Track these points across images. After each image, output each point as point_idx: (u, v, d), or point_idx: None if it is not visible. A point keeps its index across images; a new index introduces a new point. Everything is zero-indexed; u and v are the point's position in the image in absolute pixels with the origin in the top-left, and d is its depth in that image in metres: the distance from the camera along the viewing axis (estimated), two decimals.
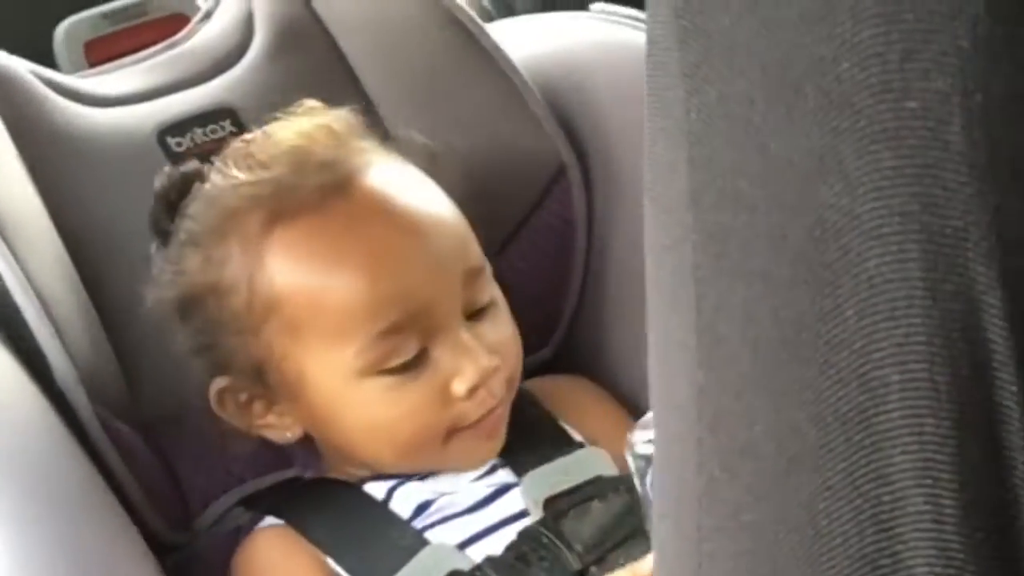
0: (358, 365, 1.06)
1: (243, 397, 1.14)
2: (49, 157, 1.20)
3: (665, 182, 0.43)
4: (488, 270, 1.14)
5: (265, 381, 1.12)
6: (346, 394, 1.08)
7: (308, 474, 1.22)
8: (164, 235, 1.13)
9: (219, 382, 1.13)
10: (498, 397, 1.09)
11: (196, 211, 1.11)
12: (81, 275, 1.17)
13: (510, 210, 1.27)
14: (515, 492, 1.12)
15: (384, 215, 1.09)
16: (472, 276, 1.10)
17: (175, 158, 1.24)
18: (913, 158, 0.37)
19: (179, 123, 1.26)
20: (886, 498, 0.38)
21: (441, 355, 1.08)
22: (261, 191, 1.08)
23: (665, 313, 0.45)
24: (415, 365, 1.08)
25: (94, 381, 1.12)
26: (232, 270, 1.09)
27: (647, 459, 0.86)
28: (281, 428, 1.15)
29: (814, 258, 0.38)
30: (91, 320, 1.16)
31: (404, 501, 1.11)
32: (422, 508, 1.11)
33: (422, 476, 1.13)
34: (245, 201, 1.09)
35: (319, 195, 1.08)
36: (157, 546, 1.14)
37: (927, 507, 0.38)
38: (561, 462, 1.14)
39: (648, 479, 0.86)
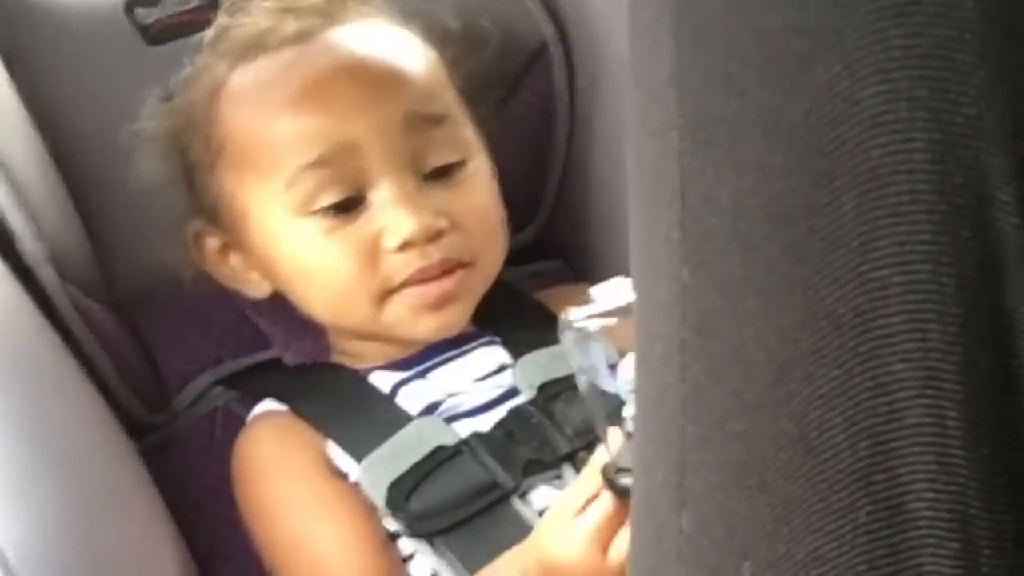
0: (287, 202, 1.05)
1: (216, 244, 1.12)
2: (15, 32, 1.16)
3: (649, 61, 0.39)
4: (462, 134, 1.09)
5: (223, 221, 1.10)
6: (281, 233, 1.06)
7: (289, 357, 1.19)
8: None
9: (194, 225, 1.12)
10: (433, 259, 1.04)
11: (200, 50, 1.12)
12: (52, 152, 1.13)
13: (490, 87, 1.22)
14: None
15: (330, 57, 1.08)
16: (422, 124, 1.06)
17: (144, 30, 1.19)
18: (922, 36, 0.33)
19: None
20: (883, 410, 0.35)
21: (379, 204, 1.05)
22: (240, 35, 1.10)
23: (647, 204, 0.41)
24: (349, 210, 1.05)
25: (64, 259, 1.09)
26: (200, 109, 1.10)
27: (583, 332, 0.82)
28: (253, 282, 1.12)
29: (809, 146, 0.35)
30: (61, 197, 1.12)
31: (411, 400, 1.09)
32: (429, 410, 1.08)
33: (422, 372, 1.10)
34: (227, 43, 1.10)
35: (283, 41, 1.08)
36: (134, 427, 1.12)
37: (929, 420, 0.35)
38: (557, 348, 1.10)
39: (583, 356, 0.82)
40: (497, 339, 1.12)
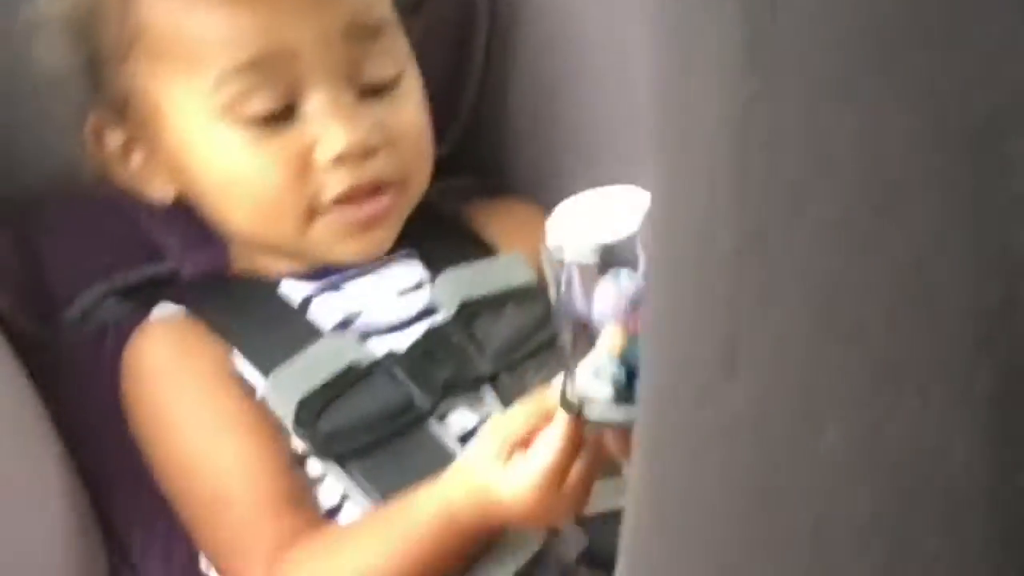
0: (212, 104, 0.97)
1: (119, 140, 1.03)
2: None
3: None
4: (399, 45, 1.03)
5: (131, 118, 1.02)
6: (202, 137, 0.99)
7: (187, 268, 1.11)
8: None
9: (96, 115, 1.03)
10: (365, 178, 0.99)
11: None
12: None
13: None
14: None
15: None
16: (362, 34, 1.00)
17: None
18: None
19: None
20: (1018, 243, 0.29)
21: (312, 116, 0.98)
22: None
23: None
24: (279, 120, 0.98)
25: None
26: None
27: (562, 264, 0.78)
28: (156, 184, 1.04)
29: None
30: None
31: (323, 314, 1.02)
32: (343, 325, 1.02)
33: (335, 284, 1.03)
34: None
35: None
36: (15, 341, 1.04)
37: None
38: (479, 265, 1.06)
39: (563, 285, 0.79)
40: (415, 253, 1.06)
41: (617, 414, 0.78)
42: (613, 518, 0.86)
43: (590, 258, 0.78)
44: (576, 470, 0.83)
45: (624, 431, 0.79)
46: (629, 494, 0.45)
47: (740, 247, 0.34)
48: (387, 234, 1.03)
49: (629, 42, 1.07)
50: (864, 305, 0.31)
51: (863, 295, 0.31)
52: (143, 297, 1.09)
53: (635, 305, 0.77)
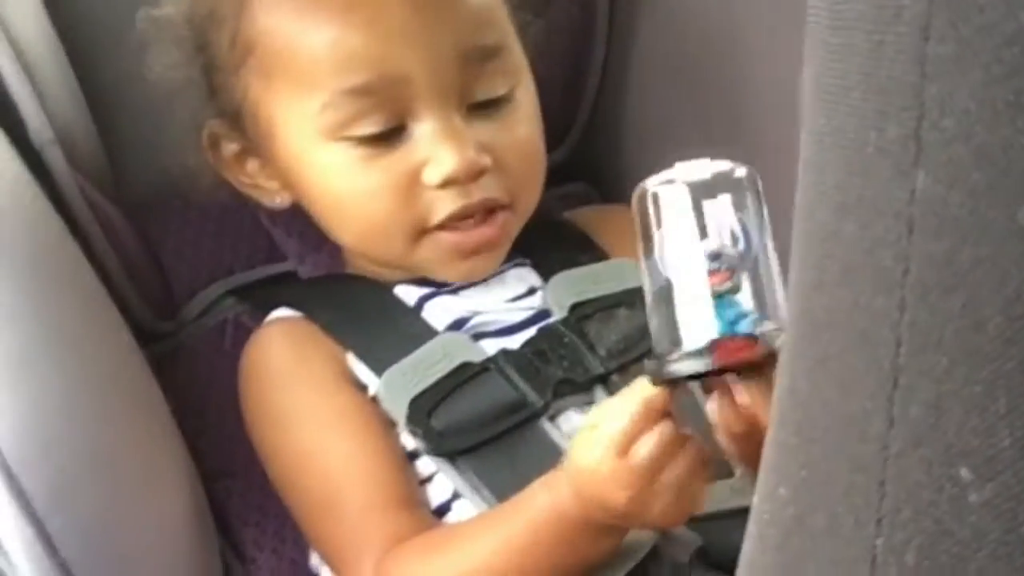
0: (322, 124, 0.96)
1: (234, 149, 1.04)
2: None
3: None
4: (513, 60, 1.02)
5: (244, 129, 1.02)
6: (311, 155, 0.98)
7: (305, 270, 1.13)
8: None
9: (211, 124, 1.04)
10: (474, 199, 0.98)
11: None
12: (63, 36, 1.06)
13: None
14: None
15: None
16: (477, 56, 0.99)
17: None
18: None
19: None
20: None
21: (421, 137, 0.96)
22: None
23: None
24: (388, 141, 0.96)
25: (72, 146, 1.03)
26: (226, 1, 1.00)
27: (654, 196, 0.77)
28: (270, 191, 1.05)
29: None
30: (70, 82, 1.05)
31: (437, 315, 1.02)
32: (456, 326, 1.01)
33: (453, 289, 1.04)
34: None
35: None
36: (140, 334, 1.06)
37: None
38: (590, 268, 1.05)
39: (653, 236, 0.77)
40: (527, 261, 1.06)
41: (683, 367, 0.76)
42: (727, 519, 0.86)
43: (678, 193, 0.76)
44: (678, 465, 0.81)
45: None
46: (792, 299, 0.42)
47: (927, 13, 0.32)
48: (495, 258, 1.03)
49: (752, 41, 1.05)
50: None
51: None
52: (261, 296, 1.10)
53: (718, 265, 0.75)
